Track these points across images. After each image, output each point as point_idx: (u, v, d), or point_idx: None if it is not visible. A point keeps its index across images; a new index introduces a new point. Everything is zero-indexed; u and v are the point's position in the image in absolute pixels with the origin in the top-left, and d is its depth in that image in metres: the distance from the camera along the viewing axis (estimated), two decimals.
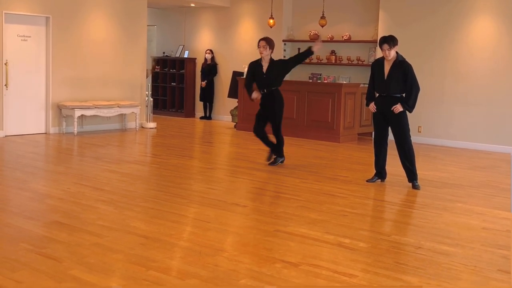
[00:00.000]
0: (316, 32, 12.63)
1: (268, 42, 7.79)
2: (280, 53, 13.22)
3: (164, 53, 15.40)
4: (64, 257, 4.04)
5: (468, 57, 10.51)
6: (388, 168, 7.15)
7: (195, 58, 14.75)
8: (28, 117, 10.35)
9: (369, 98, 6.99)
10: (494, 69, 10.26)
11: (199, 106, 14.77)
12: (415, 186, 6.81)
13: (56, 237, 4.50)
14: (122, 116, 11.68)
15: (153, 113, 13.02)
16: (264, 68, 7.78)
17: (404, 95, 6.72)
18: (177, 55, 15.01)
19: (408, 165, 6.81)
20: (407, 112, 6.78)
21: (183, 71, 14.73)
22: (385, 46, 6.66)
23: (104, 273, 3.78)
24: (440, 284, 3.79)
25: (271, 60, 7.82)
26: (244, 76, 12.36)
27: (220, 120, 14.03)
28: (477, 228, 5.22)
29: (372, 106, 6.89)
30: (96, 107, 10.74)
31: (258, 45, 7.80)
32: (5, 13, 9.80)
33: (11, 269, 3.79)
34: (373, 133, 7.42)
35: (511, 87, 10.06)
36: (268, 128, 7.86)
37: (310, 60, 12.77)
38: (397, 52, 6.74)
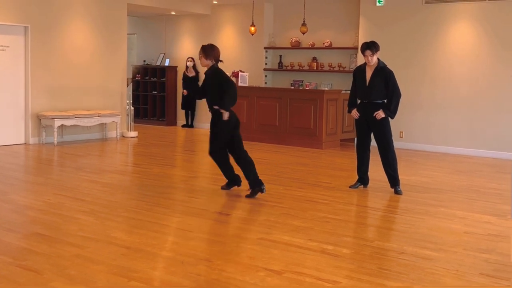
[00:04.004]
0: (298, 39, 12.68)
1: (203, 51, 6.83)
2: (261, 60, 13.26)
3: (144, 61, 15.34)
4: (44, 269, 3.98)
5: (446, 62, 10.60)
6: (370, 173, 7.18)
7: (176, 66, 14.72)
8: (7, 127, 10.22)
9: (351, 104, 7.01)
10: (472, 74, 10.36)
11: (180, 114, 14.73)
12: (397, 192, 6.83)
13: (36, 249, 4.44)
14: (102, 126, 11.59)
15: (134, 122, 12.95)
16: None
17: (386, 101, 6.76)
18: (158, 63, 14.97)
19: (390, 171, 6.83)
20: (389, 118, 6.82)
21: (164, 79, 14.68)
22: (368, 52, 6.68)
23: (86, 284, 3.73)
24: None
25: (208, 70, 6.80)
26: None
27: (202, 128, 13.98)
28: (459, 232, 5.25)
29: (355, 113, 6.91)
30: (76, 116, 10.64)
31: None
32: None
33: None
34: (355, 139, 7.44)
35: (490, 92, 10.18)
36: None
37: (292, 66, 12.84)
38: (378, 59, 6.78)
